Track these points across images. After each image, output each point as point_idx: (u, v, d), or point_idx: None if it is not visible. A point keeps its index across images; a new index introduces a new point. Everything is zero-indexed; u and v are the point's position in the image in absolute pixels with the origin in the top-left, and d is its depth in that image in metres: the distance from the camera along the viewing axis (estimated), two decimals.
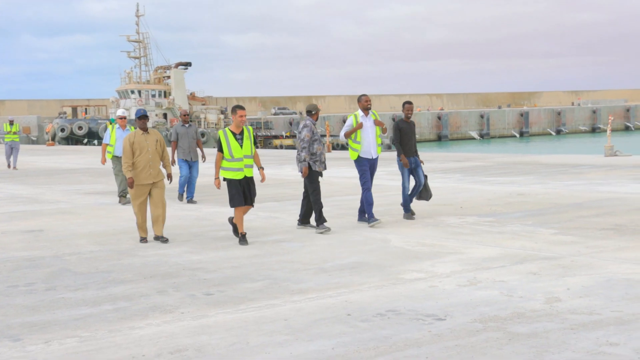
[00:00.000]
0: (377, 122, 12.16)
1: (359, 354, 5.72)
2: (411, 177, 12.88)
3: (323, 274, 8.64)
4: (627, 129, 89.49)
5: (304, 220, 12.04)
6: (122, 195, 16.11)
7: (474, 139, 73.48)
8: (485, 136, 79.68)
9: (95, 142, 64.88)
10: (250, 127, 11.03)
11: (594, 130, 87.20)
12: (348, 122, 12.13)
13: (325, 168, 11.84)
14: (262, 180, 11.13)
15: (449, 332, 6.20)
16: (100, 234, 11.94)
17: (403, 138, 12.63)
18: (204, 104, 75.54)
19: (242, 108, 10.86)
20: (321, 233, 11.39)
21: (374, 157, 12.21)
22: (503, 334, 6.12)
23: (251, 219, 13.23)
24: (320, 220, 11.56)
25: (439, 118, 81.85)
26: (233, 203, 10.80)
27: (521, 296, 7.33)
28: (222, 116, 73.20)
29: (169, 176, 11.48)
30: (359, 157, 12.13)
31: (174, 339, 6.20)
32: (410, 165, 12.66)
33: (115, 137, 16.23)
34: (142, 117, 11.20)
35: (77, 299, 7.69)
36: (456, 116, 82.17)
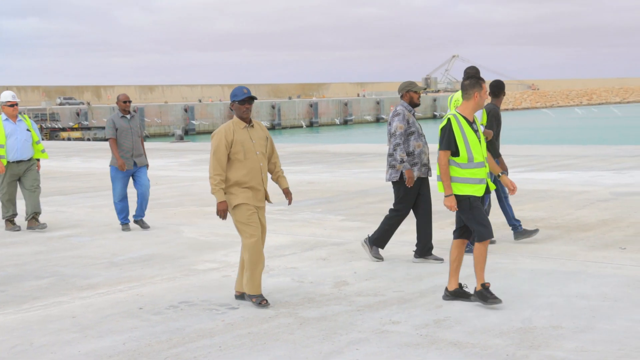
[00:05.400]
0: (485, 133, 8.68)
1: (151, 347, 5.64)
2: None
3: (114, 268, 8.41)
4: None
5: (422, 253, 8.33)
6: (10, 220, 11.17)
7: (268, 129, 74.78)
8: (276, 126, 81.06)
9: None
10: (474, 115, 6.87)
11: (378, 120, 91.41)
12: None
13: (429, 173, 8.34)
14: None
15: (242, 321, 6.28)
16: None
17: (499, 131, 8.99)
18: None
19: (481, 79, 6.70)
20: (374, 258, 8.39)
21: None
22: (294, 319, 6.29)
23: None
24: (378, 242, 8.43)
25: (231, 109, 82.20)
26: (485, 234, 6.55)
27: (311, 281, 7.56)
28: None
29: (288, 194, 7.14)
30: None
31: None
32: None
33: (4, 133, 10.99)
34: (249, 98, 6.74)
35: None
36: None
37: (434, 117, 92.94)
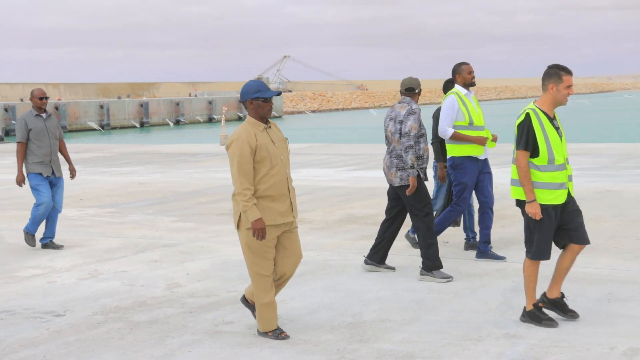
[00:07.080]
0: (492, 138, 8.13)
1: None
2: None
3: None
4: (240, 119, 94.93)
5: (375, 258, 7.71)
6: None
7: (93, 129, 72.36)
8: (105, 127, 78.76)
9: None
10: None
11: (210, 120, 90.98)
12: (450, 106, 8.01)
13: (425, 177, 7.53)
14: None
15: (69, 328, 6.05)
16: None
17: None
18: None
19: (569, 72, 5.82)
20: (445, 280, 7.25)
21: (482, 158, 8.06)
22: (125, 323, 6.14)
23: None
24: (435, 264, 7.34)
25: (57, 108, 78.99)
26: (540, 253, 5.85)
27: (142, 285, 7.40)
28: None
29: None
30: (467, 155, 7.95)
31: None
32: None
33: None
34: (273, 96, 5.66)
35: None
36: (75, 107, 79.86)
37: (239, 118, 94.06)
